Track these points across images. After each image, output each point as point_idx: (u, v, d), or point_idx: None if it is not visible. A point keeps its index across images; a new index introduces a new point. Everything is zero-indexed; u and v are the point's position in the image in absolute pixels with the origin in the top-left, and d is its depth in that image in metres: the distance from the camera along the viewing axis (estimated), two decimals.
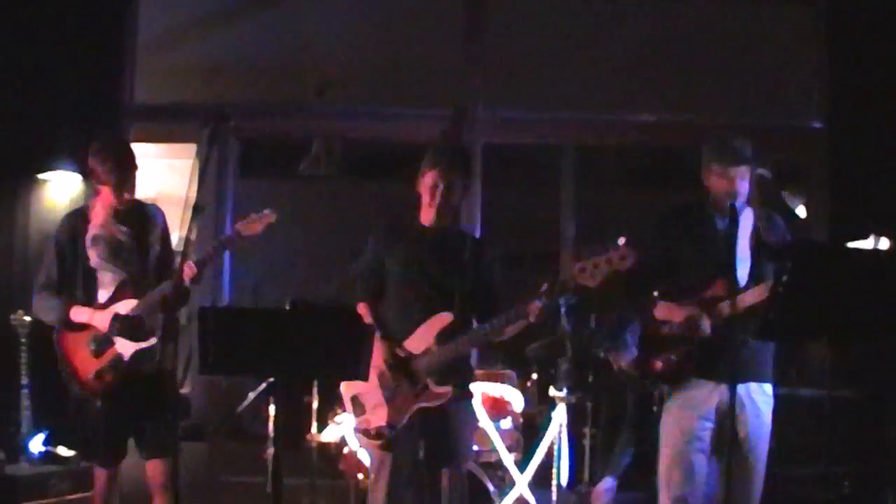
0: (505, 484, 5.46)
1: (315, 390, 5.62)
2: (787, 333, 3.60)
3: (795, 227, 4.51)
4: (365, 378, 3.93)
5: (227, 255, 6.58)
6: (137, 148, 4.76)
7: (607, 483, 5.99)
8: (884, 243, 3.90)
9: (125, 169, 4.57)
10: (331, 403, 5.55)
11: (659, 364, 4.30)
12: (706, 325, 4.17)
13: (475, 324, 4.33)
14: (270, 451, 5.43)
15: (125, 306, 4.52)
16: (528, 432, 5.80)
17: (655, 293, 4.37)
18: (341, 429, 5.56)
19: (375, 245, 4.54)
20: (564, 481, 5.50)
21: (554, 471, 5.46)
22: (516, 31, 7.12)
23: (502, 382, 5.67)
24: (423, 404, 4.28)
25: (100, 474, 4.61)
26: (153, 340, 4.49)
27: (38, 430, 5.72)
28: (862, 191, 6.42)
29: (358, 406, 4.43)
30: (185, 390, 6.93)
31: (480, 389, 5.42)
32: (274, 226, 4.54)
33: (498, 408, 5.57)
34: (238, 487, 6.31)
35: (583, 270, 4.00)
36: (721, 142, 4.29)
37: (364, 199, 8.03)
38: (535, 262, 7.87)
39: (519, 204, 7.95)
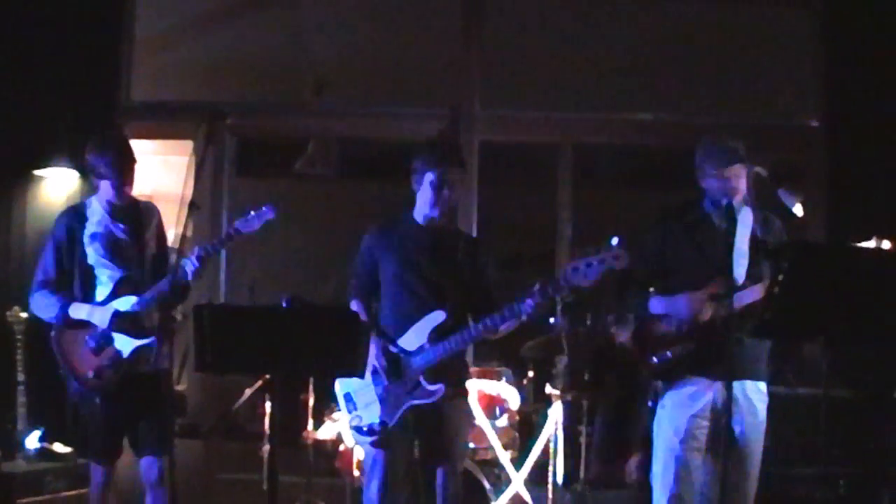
0: (501, 481, 5.47)
1: (311, 388, 5.63)
2: (783, 333, 3.61)
3: (792, 225, 4.50)
4: (362, 375, 3.93)
5: (223, 253, 6.57)
6: (134, 145, 4.75)
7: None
8: (886, 246, 3.89)
9: (124, 162, 4.58)
10: (327, 401, 5.56)
11: (654, 360, 4.30)
12: (707, 312, 4.17)
13: (469, 322, 4.33)
14: (266, 448, 5.42)
15: (124, 303, 4.53)
16: (525, 430, 5.81)
17: (651, 289, 4.37)
18: (337, 426, 5.56)
19: (369, 243, 4.54)
20: (560, 479, 5.51)
21: (550, 468, 5.47)
22: (513, 30, 7.11)
23: (498, 380, 5.68)
24: (416, 402, 4.28)
25: (96, 471, 4.63)
26: (152, 337, 4.50)
27: (34, 427, 5.71)
28: (859, 190, 6.42)
29: (351, 403, 4.43)
30: (180, 388, 6.94)
31: (477, 387, 5.43)
32: (270, 224, 4.54)
33: (494, 405, 5.57)
34: (234, 485, 6.31)
35: (576, 270, 4.01)
36: (712, 143, 4.28)
37: (360, 198, 8.01)
38: (531, 261, 7.86)
39: (515, 203, 7.94)
